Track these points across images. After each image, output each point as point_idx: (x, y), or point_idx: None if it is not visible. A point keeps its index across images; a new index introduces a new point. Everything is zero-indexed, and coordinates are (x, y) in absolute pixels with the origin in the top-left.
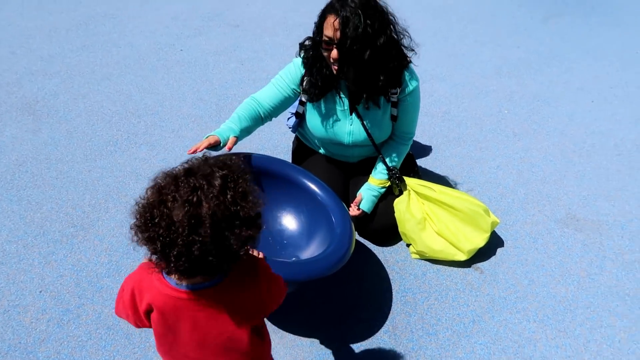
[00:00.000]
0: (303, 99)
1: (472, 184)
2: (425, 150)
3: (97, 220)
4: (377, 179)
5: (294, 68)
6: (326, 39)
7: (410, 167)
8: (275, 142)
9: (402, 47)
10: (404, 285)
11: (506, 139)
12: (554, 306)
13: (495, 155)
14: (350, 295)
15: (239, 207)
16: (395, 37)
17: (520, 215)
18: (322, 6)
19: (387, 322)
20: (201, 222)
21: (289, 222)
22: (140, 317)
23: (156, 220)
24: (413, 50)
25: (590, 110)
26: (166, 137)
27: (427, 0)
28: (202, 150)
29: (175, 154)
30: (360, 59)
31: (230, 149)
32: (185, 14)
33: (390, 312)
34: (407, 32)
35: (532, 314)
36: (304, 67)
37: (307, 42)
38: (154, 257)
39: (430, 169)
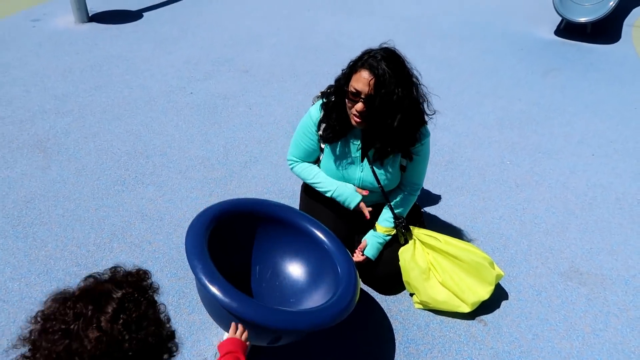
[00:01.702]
0: (322, 145)
1: (476, 234)
2: (429, 199)
3: (101, 260)
4: (383, 227)
5: (308, 119)
6: (354, 90)
7: (416, 217)
8: (280, 187)
9: (422, 109)
10: (407, 336)
11: (509, 189)
12: None
13: (498, 205)
14: (352, 344)
15: (128, 338)
16: (418, 98)
17: (523, 267)
18: (329, 56)
19: None
20: (77, 357)
21: (295, 268)
22: None
23: (37, 355)
24: (431, 115)
25: (591, 163)
26: (173, 178)
27: (431, 52)
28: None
29: (181, 195)
30: (384, 119)
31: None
32: (197, 59)
33: None
34: (427, 96)
35: None
36: (322, 110)
37: (328, 89)
38: None
39: (434, 218)
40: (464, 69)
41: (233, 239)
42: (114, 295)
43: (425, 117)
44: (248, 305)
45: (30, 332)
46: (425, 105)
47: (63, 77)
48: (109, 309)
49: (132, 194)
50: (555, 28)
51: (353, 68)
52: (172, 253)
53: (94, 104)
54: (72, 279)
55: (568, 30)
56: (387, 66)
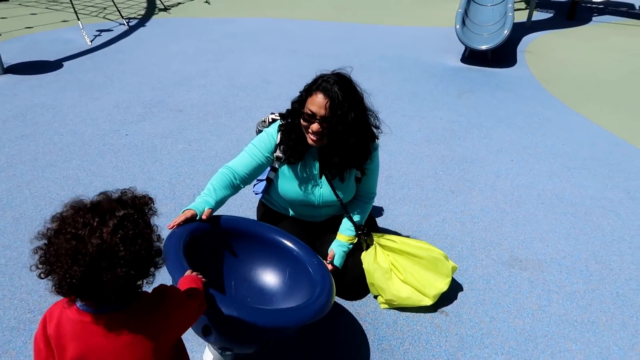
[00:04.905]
0: (276, 166)
1: (424, 237)
2: (376, 211)
3: None
4: (346, 236)
5: (267, 137)
6: (309, 112)
7: (371, 224)
8: (237, 206)
9: (372, 127)
10: (378, 335)
11: (445, 196)
12: (516, 338)
13: (438, 210)
14: (329, 349)
15: (123, 249)
16: (369, 116)
17: (471, 261)
18: (260, 92)
19: None
20: (80, 257)
21: (270, 279)
22: (50, 347)
23: (51, 249)
24: (379, 128)
25: (512, 167)
26: None
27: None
28: (179, 224)
29: None
30: (341, 139)
31: (207, 217)
32: (127, 102)
33: None
34: (373, 111)
35: (499, 347)
36: (280, 132)
37: (284, 112)
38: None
39: (383, 228)
40: (387, 96)
41: (203, 256)
42: (117, 214)
43: (375, 131)
44: (235, 304)
45: (48, 229)
46: (375, 122)
47: None
48: (110, 224)
49: None
50: (460, 57)
51: (308, 91)
52: None
53: (22, 152)
54: (26, 326)
55: (472, 57)
56: (340, 89)
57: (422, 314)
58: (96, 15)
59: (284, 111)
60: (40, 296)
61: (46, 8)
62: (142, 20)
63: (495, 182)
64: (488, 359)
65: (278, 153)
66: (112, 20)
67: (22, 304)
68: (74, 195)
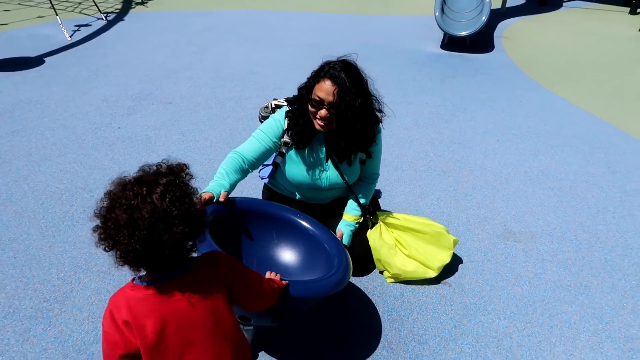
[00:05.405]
0: (283, 150)
1: (421, 215)
2: (374, 192)
3: (71, 292)
4: (352, 216)
5: (275, 123)
6: (317, 98)
7: (374, 204)
8: (238, 191)
9: (376, 111)
10: (387, 307)
11: (438, 176)
12: (517, 303)
13: (433, 190)
14: (344, 322)
15: (175, 209)
16: (373, 102)
17: (468, 235)
18: (248, 83)
19: (382, 340)
20: (139, 223)
21: (288, 257)
22: (126, 334)
23: (109, 224)
24: (382, 112)
25: (498, 147)
26: None
27: None
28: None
29: None
30: (348, 124)
31: (223, 199)
32: (115, 96)
33: (382, 330)
34: (377, 96)
35: (501, 313)
36: (288, 119)
37: (291, 98)
38: (112, 254)
39: (384, 207)
40: (372, 83)
41: (222, 237)
42: (160, 182)
43: (379, 114)
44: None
45: (101, 208)
46: (378, 106)
47: None
48: (158, 190)
49: (85, 228)
50: (440, 43)
51: (316, 78)
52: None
53: (15, 148)
54: (44, 314)
55: (451, 44)
56: (347, 76)
57: (427, 286)
58: (72, 10)
59: (275, 100)
60: (54, 285)
61: (19, 4)
62: (120, 15)
63: (484, 162)
64: (492, 323)
65: (286, 138)
66: (89, 15)
67: (36, 293)
68: (74, 188)
